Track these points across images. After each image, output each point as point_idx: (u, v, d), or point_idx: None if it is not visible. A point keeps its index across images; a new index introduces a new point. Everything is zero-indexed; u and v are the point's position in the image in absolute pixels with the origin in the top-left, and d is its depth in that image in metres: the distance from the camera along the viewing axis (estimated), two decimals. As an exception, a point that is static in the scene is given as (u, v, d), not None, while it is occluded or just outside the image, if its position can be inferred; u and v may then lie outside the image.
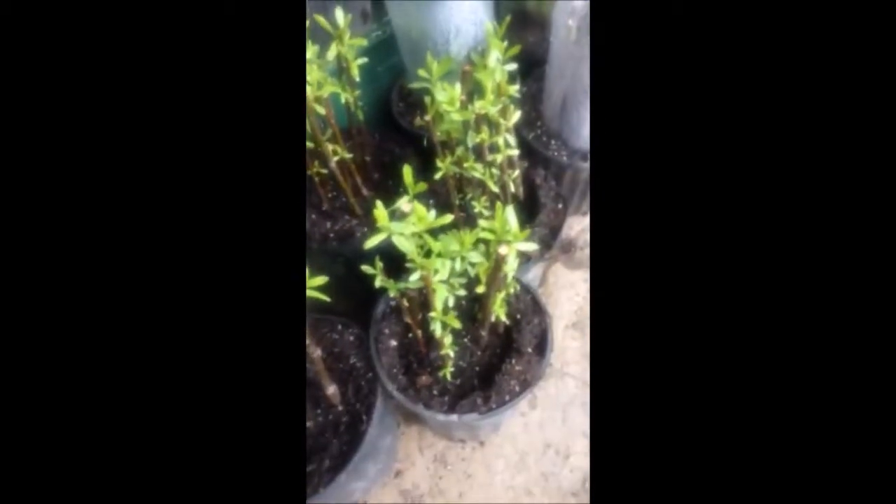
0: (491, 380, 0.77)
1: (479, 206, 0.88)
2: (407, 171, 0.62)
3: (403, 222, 0.58)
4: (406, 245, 0.54)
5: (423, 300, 0.81)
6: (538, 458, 1.01)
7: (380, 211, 0.57)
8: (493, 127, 0.76)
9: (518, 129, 0.91)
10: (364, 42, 0.78)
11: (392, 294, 0.70)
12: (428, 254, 0.60)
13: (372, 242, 0.58)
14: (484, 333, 0.78)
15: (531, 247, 0.59)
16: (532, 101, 1.12)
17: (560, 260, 1.25)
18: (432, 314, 0.64)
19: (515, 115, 0.78)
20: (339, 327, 0.85)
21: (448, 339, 0.71)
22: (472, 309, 0.84)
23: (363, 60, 0.81)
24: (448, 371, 0.77)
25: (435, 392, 0.78)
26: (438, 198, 0.98)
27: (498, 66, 0.72)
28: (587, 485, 0.96)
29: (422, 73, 0.70)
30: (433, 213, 0.58)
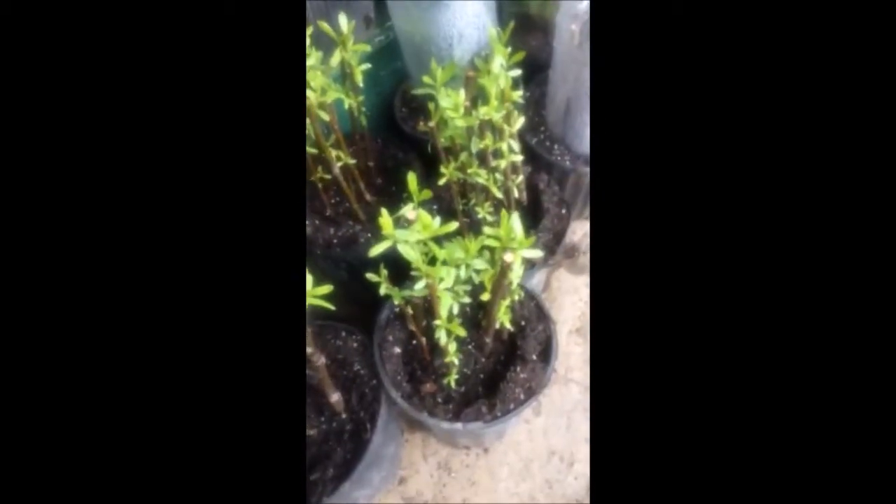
0: (495, 387, 0.76)
1: (482, 212, 0.88)
2: (412, 179, 0.61)
3: (408, 230, 0.58)
4: (411, 254, 0.54)
5: (427, 307, 0.81)
6: (542, 465, 1.00)
7: (385, 219, 0.56)
8: (497, 132, 0.76)
9: (521, 134, 0.91)
10: (368, 48, 0.78)
11: (397, 302, 0.69)
12: (432, 261, 0.60)
13: (377, 250, 0.57)
14: (488, 340, 0.78)
15: (537, 254, 0.59)
16: (535, 106, 1.11)
17: (563, 265, 1.25)
18: (437, 322, 0.63)
19: (519, 121, 0.77)
20: (343, 334, 0.85)
21: (452, 347, 0.71)
22: (475, 315, 0.84)
23: (367, 66, 0.81)
24: (452, 378, 0.76)
25: (439, 400, 0.77)
26: (441, 203, 0.98)
27: (502, 71, 0.71)
28: (592, 492, 0.95)
29: (426, 79, 0.70)
30: (437, 220, 0.58)
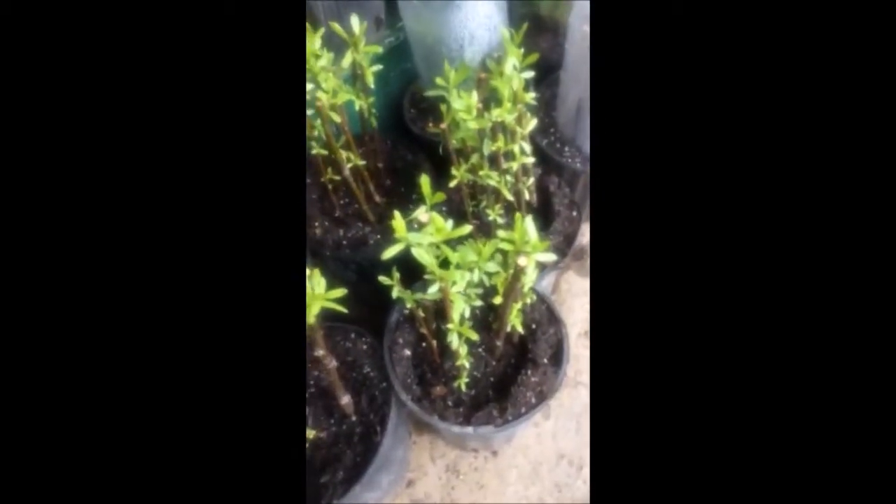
0: (506, 391, 0.76)
1: (493, 214, 0.87)
2: (425, 182, 0.61)
3: (421, 233, 0.57)
4: (426, 257, 0.53)
5: (437, 309, 0.80)
6: (551, 468, 0.99)
7: (398, 221, 0.56)
8: (509, 134, 0.76)
9: (531, 136, 0.91)
10: (379, 49, 0.77)
11: (409, 305, 0.69)
12: (444, 264, 0.59)
13: (390, 253, 0.57)
14: (499, 343, 0.77)
15: (550, 258, 0.58)
16: (546, 108, 1.11)
17: (572, 267, 1.24)
18: (449, 326, 0.63)
19: (532, 123, 0.77)
20: (353, 336, 0.85)
21: (464, 350, 0.70)
22: (486, 318, 0.83)
23: (378, 67, 0.81)
24: (463, 382, 0.76)
25: (449, 403, 0.77)
26: (451, 205, 0.97)
27: (515, 73, 0.71)
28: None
29: (439, 81, 0.69)
30: (450, 222, 0.58)
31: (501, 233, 0.58)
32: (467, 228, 0.57)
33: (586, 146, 1.04)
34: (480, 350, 0.82)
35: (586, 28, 0.88)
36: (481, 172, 0.79)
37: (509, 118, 0.72)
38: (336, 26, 0.75)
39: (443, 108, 0.73)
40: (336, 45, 0.78)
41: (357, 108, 0.87)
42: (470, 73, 0.73)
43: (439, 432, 1.00)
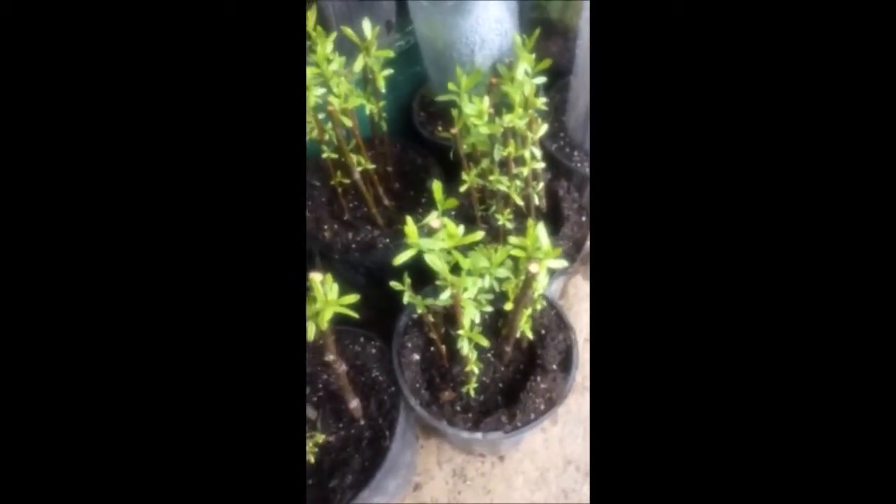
0: (515, 397, 0.75)
1: (502, 219, 0.87)
2: (437, 187, 0.61)
3: (433, 238, 0.57)
4: (438, 264, 0.53)
5: (446, 314, 0.80)
6: (558, 474, 0.99)
7: (410, 227, 0.56)
8: (520, 140, 0.76)
9: (541, 141, 0.90)
10: (391, 53, 0.77)
11: (420, 311, 0.69)
12: (455, 269, 0.59)
13: (401, 259, 0.57)
14: (508, 349, 0.77)
15: (562, 264, 0.58)
16: (555, 112, 1.10)
17: (580, 272, 1.23)
18: (460, 332, 0.62)
19: (542, 128, 0.77)
20: (362, 340, 0.85)
21: (473, 356, 0.70)
22: (495, 323, 0.83)
23: (389, 71, 0.81)
24: (472, 387, 0.76)
25: (458, 408, 0.77)
26: (460, 209, 0.97)
27: (526, 79, 0.71)
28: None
29: (451, 86, 0.69)
30: (461, 228, 0.58)
31: (513, 239, 0.58)
32: (479, 234, 0.57)
33: (596, 151, 1.04)
34: (489, 355, 0.82)
35: (597, 33, 0.87)
36: (492, 177, 0.79)
37: (520, 123, 0.72)
38: (348, 30, 0.75)
39: (454, 112, 0.73)
40: (347, 48, 0.78)
41: (367, 111, 0.87)
42: (481, 78, 0.73)
43: (447, 437, 1.00)
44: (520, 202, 0.82)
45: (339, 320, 0.73)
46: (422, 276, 0.71)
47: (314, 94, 0.73)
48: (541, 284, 0.60)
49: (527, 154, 0.77)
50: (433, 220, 0.59)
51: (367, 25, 0.75)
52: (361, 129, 0.84)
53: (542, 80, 0.71)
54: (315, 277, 0.50)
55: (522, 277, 0.63)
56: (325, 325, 0.52)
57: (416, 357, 0.82)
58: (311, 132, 0.79)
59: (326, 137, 0.81)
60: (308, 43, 0.74)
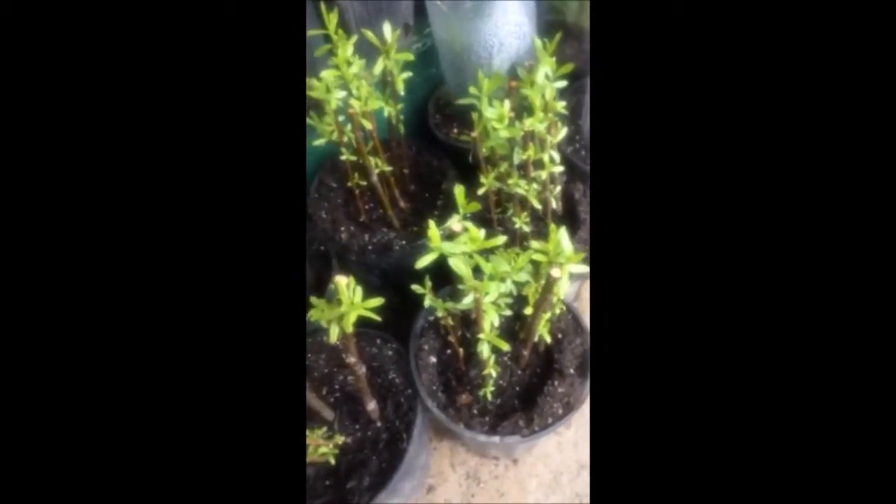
0: (532, 401, 0.75)
1: (519, 222, 0.87)
2: (459, 192, 0.61)
3: (454, 242, 0.57)
4: (462, 268, 0.53)
5: (464, 317, 0.80)
6: (572, 478, 0.99)
7: (432, 230, 0.56)
8: (539, 143, 0.76)
9: (558, 144, 0.90)
10: (411, 56, 0.78)
11: (440, 314, 0.69)
12: (474, 272, 0.59)
13: (423, 262, 0.57)
14: (525, 353, 0.77)
15: (584, 269, 0.58)
16: (571, 115, 1.10)
17: (594, 275, 1.23)
18: (480, 335, 0.63)
19: (562, 132, 0.76)
20: (378, 341, 0.85)
21: (492, 359, 0.70)
22: (512, 327, 0.83)
23: (408, 74, 0.81)
24: (489, 390, 0.76)
25: (475, 411, 0.77)
26: (476, 212, 0.97)
27: (547, 82, 0.71)
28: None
29: (473, 90, 0.69)
30: (482, 231, 0.58)
31: (535, 243, 0.58)
32: (501, 239, 0.57)
33: (612, 154, 1.03)
34: (505, 359, 0.82)
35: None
36: (510, 181, 0.79)
37: (540, 127, 0.72)
38: (369, 33, 0.76)
39: (474, 116, 0.73)
40: (365, 51, 0.79)
41: (386, 114, 0.87)
42: (501, 82, 0.73)
43: (461, 439, 1.00)
44: (537, 206, 0.82)
45: (358, 322, 0.74)
46: (437, 278, 0.71)
47: (335, 97, 0.73)
48: (562, 289, 0.60)
49: (546, 158, 0.77)
50: (455, 223, 0.59)
51: (387, 29, 0.76)
52: (379, 131, 0.84)
53: (563, 83, 0.71)
54: (341, 281, 0.51)
55: (542, 282, 0.63)
56: (350, 328, 0.52)
57: (433, 360, 0.82)
58: (332, 134, 0.80)
59: (345, 139, 0.82)
60: (329, 46, 0.74)
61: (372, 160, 0.85)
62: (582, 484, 0.98)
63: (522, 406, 0.77)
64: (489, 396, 0.76)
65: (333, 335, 0.55)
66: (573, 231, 0.94)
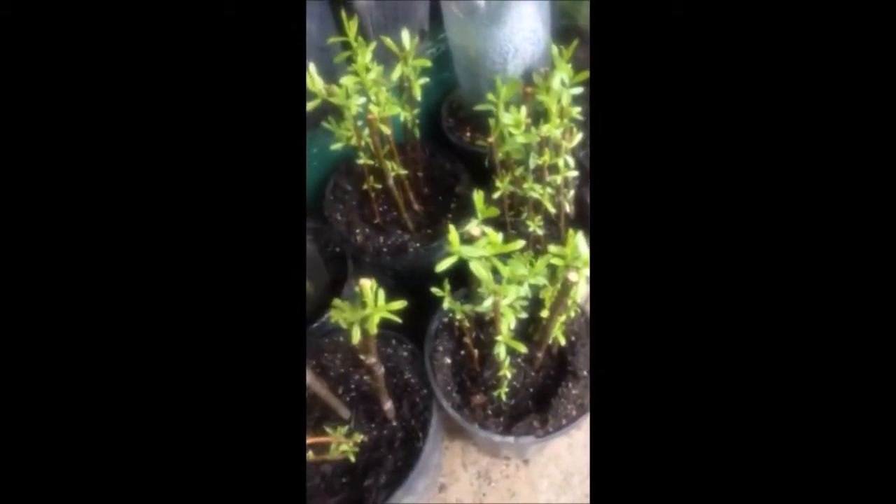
0: (546, 402, 0.77)
1: (533, 226, 0.88)
2: (479, 197, 0.62)
3: (473, 246, 0.59)
4: (483, 273, 0.55)
5: (478, 319, 0.81)
6: (582, 479, 1.00)
7: (453, 235, 0.57)
8: (554, 148, 0.77)
9: (572, 148, 0.91)
10: (428, 63, 0.79)
11: (459, 316, 0.70)
12: (493, 275, 0.60)
13: (443, 266, 0.58)
14: (539, 355, 0.78)
15: (600, 273, 0.59)
16: (585, 120, 1.11)
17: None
18: (498, 338, 0.64)
19: (578, 137, 0.78)
20: (394, 342, 0.86)
21: (507, 361, 0.71)
22: (526, 329, 0.84)
23: (425, 80, 0.82)
24: (503, 391, 0.77)
25: (489, 412, 0.78)
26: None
27: (563, 89, 0.72)
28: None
29: (490, 96, 0.71)
30: (500, 235, 0.59)
31: (552, 248, 0.59)
32: (520, 243, 0.58)
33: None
34: (520, 360, 0.83)
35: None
36: (525, 185, 0.80)
37: (556, 133, 0.73)
38: (388, 40, 0.77)
39: (491, 121, 0.75)
40: (382, 56, 0.80)
41: (402, 119, 0.88)
42: (517, 89, 0.75)
43: (473, 439, 1.01)
44: (552, 209, 0.83)
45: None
46: (451, 280, 0.72)
47: (355, 103, 0.75)
48: (579, 293, 0.62)
49: (560, 162, 0.78)
50: (474, 228, 0.60)
51: (405, 35, 0.77)
52: (395, 136, 0.86)
53: (579, 90, 0.72)
54: (365, 284, 0.52)
55: (558, 285, 0.64)
56: (374, 330, 0.53)
57: (448, 360, 0.83)
58: (349, 139, 0.81)
59: (363, 143, 0.83)
60: (349, 53, 0.76)
61: (388, 164, 0.86)
62: (592, 485, 0.99)
63: (536, 407, 0.78)
64: (503, 397, 0.78)
65: (356, 336, 0.57)
66: (586, 234, 0.95)
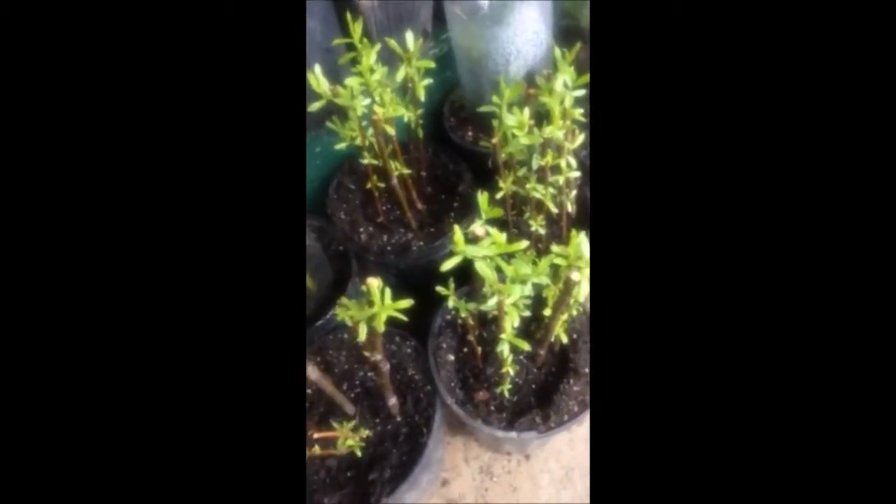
0: (548, 398, 0.78)
1: (535, 225, 0.89)
2: (483, 198, 0.63)
3: (478, 246, 0.60)
4: (488, 272, 0.56)
5: (481, 316, 0.83)
6: (583, 474, 1.01)
7: (458, 235, 0.59)
8: (557, 149, 0.78)
9: (574, 149, 0.93)
10: (432, 64, 0.80)
11: (463, 314, 0.71)
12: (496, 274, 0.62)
13: (448, 265, 0.60)
14: (542, 352, 0.79)
15: (602, 273, 0.60)
16: (587, 120, 1.12)
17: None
18: (502, 336, 0.65)
19: (580, 138, 0.79)
20: (398, 339, 0.88)
21: (510, 358, 0.73)
22: (528, 326, 0.85)
23: (429, 81, 0.83)
24: (506, 388, 0.78)
25: (492, 408, 0.79)
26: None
27: (566, 91, 0.73)
28: None
29: (495, 98, 0.72)
30: (504, 235, 0.60)
31: (555, 248, 0.60)
32: (524, 243, 0.59)
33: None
34: (522, 357, 0.84)
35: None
36: (528, 185, 0.81)
37: (559, 134, 0.74)
38: (392, 42, 0.78)
39: (494, 123, 0.76)
40: (386, 57, 0.81)
41: (406, 119, 0.90)
42: (521, 90, 0.76)
43: (475, 435, 1.03)
44: (554, 209, 0.84)
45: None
46: (454, 278, 0.73)
47: (360, 104, 0.76)
48: (582, 293, 0.63)
49: (563, 163, 0.79)
50: (478, 228, 0.61)
51: (409, 37, 0.78)
52: (398, 135, 0.87)
53: (581, 92, 0.73)
54: (373, 283, 0.53)
55: (561, 285, 0.65)
56: (382, 328, 0.55)
57: (451, 357, 0.84)
58: (355, 139, 0.82)
59: (367, 143, 0.84)
60: (353, 54, 0.77)
61: (392, 163, 0.87)
62: (592, 480, 1.01)
63: (539, 403, 0.79)
64: (506, 394, 0.79)
65: (362, 334, 0.58)
66: (587, 234, 0.96)
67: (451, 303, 0.70)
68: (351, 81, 0.76)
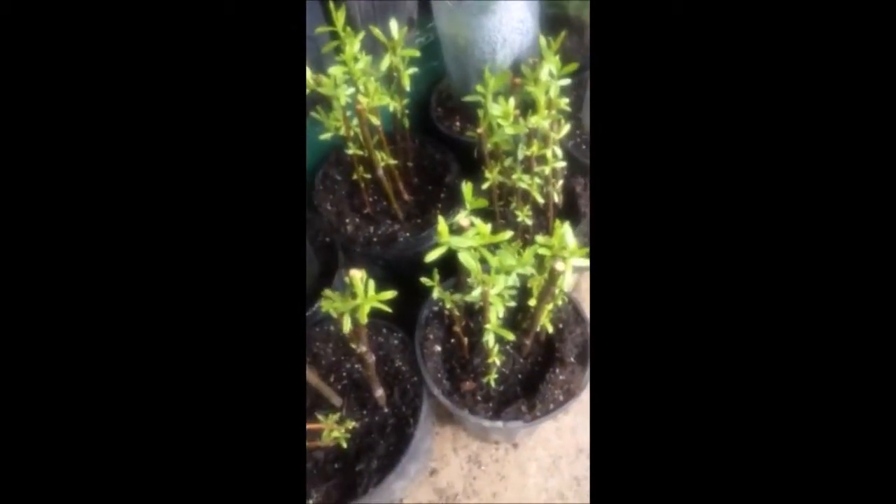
0: (534, 388, 0.79)
1: (521, 215, 0.89)
2: (467, 189, 0.63)
3: (462, 237, 0.60)
4: (471, 263, 0.56)
5: (468, 307, 0.83)
6: (570, 462, 1.02)
7: (442, 226, 0.58)
8: (542, 139, 0.78)
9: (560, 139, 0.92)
10: (417, 53, 0.79)
11: (448, 306, 0.71)
12: (481, 264, 0.62)
13: (432, 256, 0.59)
14: (527, 342, 0.80)
15: (586, 263, 0.60)
16: (572, 109, 1.12)
17: (592, 265, 1.26)
18: (487, 326, 0.65)
19: (565, 128, 0.79)
20: (385, 331, 0.88)
21: (496, 348, 0.73)
22: (514, 317, 0.86)
23: (414, 70, 0.82)
24: (493, 378, 0.79)
25: (479, 398, 0.80)
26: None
27: (551, 80, 0.73)
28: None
29: (479, 88, 0.71)
30: (489, 226, 0.60)
31: (540, 238, 0.60)
32: (508, 234, 0.59)
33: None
34: (508, 347, 0.85)
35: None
36: (514, 176, 0.81)
37: (544, 124, 0.74)
38: (376, 30, 0.77)
39: (479, 112, 0.75)
40: (370, 46, 0.80)
41: (391, 109, 0.89)
42: (506, 80, 0.75)
43: (464, 425, 1.03)
44: (540, 199, 0.84)
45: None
46: (441, 269, 0.73)
47: (344, 93, 0.75)
48: (567, 283, 0.63)
49: (549, 153, 0.79)
50: (462, 218, 0.61)
51: (394, 25, 0.77)
52: (384, 125, 0.86)
53: (566, 81, 0.73)
54: (355, 274, 0.53)
55: (546, 275, 0.65)
56: (364, 320, 0.54)
57: (438, 348, 0.85)
58: (338, 129, 0.82)
59: (352, 133, 0.83)
60: (336, 43, 0.76)
61: (378, 154, 0.86)
62: (580, 467, 1.02)
63: (524, 393, 0.80)
64: (493, 383, 0.79)
65: (346, 326, 0.58)
66: (574, 224, 0.97)
67: (435, 294, 0.70)
68: (334, 70, 0.75)
